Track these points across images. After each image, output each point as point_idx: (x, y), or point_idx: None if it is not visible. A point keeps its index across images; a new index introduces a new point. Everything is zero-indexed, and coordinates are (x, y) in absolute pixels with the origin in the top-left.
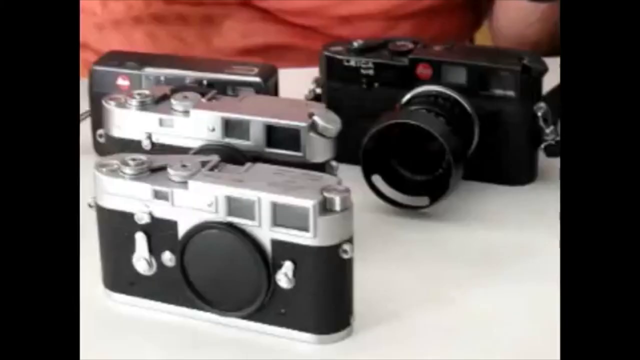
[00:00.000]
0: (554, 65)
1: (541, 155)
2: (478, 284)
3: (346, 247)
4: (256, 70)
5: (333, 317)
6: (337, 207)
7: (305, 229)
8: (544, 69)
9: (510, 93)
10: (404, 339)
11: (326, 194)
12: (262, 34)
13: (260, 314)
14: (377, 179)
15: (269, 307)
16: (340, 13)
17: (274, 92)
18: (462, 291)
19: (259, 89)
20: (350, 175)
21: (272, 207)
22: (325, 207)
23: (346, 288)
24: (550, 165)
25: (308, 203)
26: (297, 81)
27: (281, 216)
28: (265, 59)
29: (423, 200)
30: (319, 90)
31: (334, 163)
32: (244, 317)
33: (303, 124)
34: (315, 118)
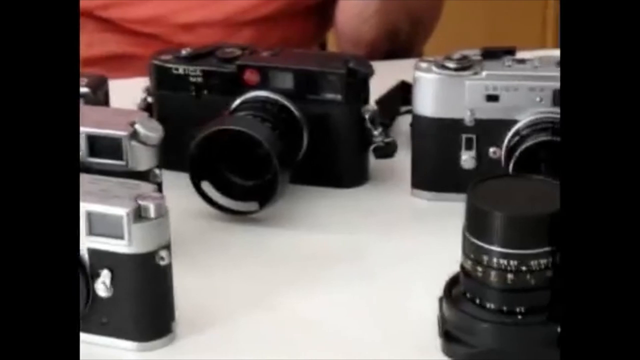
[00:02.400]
0: (386, 68)
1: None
2: (304, 287)
3: (163, 253)
4: (85, 81)
5: (153, 324)
6: (152, 214)
7: (121, 237)
8: (370, 72)
9: (337, 96)
10: (227, 344)
11: (140, 202)
12: (105, 43)
13: (84, 324)
14: (206, 186)
15: (90, 317)
16: (182, 21)
17: (104, 102)
18: (287, 295)
19: (88, 100)
20: (181, 182)
21: (87, 216)
22: (139, 215)
23: (166, 294)
24: (380, 167)
25: (122, 211)
26: (134, 90)
27: (97, 225)
28: (108, 68)
29: (252, 206)
30: (150, 99)
31: (157, 171)
32: None
33: (124, 133)
34: (137, 127)
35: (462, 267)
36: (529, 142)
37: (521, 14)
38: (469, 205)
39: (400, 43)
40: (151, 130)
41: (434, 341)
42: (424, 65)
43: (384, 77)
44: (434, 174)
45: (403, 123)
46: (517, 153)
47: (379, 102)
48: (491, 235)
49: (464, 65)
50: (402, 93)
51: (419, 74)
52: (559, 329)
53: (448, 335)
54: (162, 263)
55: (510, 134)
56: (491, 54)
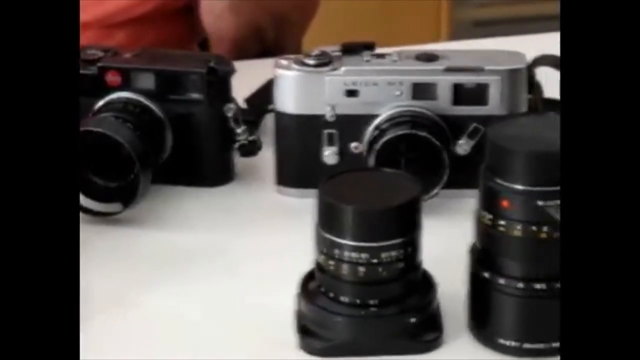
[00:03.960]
0: (258, 67)
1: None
2: (166, 284)
3: None
4: None
5: None
6: None
7: None
8: (230, 71)
9: (198, 96)
10: (88, 344)
11: None
12: None
13: None
14: None
15: None
16: None
17: None
18: (148, 293)
19: None
20: None
21: None
22: None
23: None
24: (246, 165)
25: None
26: None
27: None
28: None
29: (116, 207)
30: None
31: None
32: None
33: None
34: None
35: (316, 261)
36: (388, 136)
37: (415, 8)
38: (319, 201)
39: (269, 43)
40: None
41: (292, 336)
42: (284, 62)
43: (256, 75)
44: (297, 170)
45: (272, 121)
46: (377, 147)
47: (248, 100)
48: (341, 229)
49: (323, 61)
50: (272, 91)
51: (278, 71)
52: (412, 320)
53: (304, 330)
54: None
55: (370, 128)
56: (350, 50)
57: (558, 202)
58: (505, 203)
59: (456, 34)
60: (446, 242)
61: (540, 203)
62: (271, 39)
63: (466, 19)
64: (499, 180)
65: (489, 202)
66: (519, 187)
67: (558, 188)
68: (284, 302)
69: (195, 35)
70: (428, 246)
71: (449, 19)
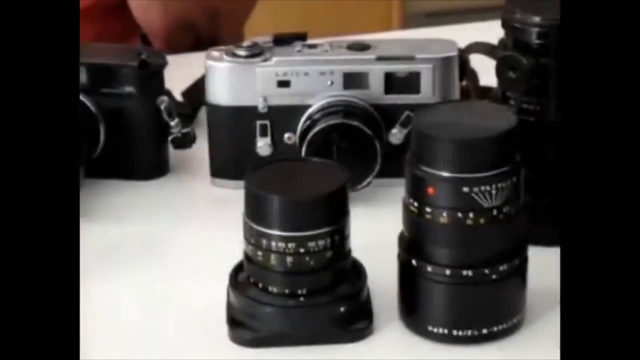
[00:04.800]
0: (194, 60)
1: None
2: (100, 277)
3: None
4: None
5: None
6: None
7: None
8: (162, 64)
9: (131, 89)
10: None
11: None
12: None
13: None
14: None
15: None
16: None
17: None
18: (82, 286)
19: None
20: None
21: None
22: None
23: None
24: (181, 158)
25: None
26: None
27: None
28: None
29: None
30: None
31: None
32: None
33: None
34: None
35: (245, 252)
36: (320, 126)
37: (367, 0)
38: (246, 191)
39: (204, 36)
40: None
41: (223, 328)
42: (215, 54)
43: (193, 68)
44: (231, 162)
45: None
46: (309, 137)
47: (184, 93)
48: (268, 219)
49: (254, 52)
50: None
51: (210, 62)
52: (342, 309)
53: (234, 321)
54: None
55: (303, 118)
56: (282, 40)
57: (483, 188)
58: (430, 190)
59: (408, 26)
60: (378, 230)
61: (465, 190)
62: (205, 33)
63: (418, 10)
64: (424, 168)
65: (415, 190)
66: (444, 174)
67: (483, 174)
68: (217, 293)
69: (136, 30)
70: (360, 235)
71: (400, 10)
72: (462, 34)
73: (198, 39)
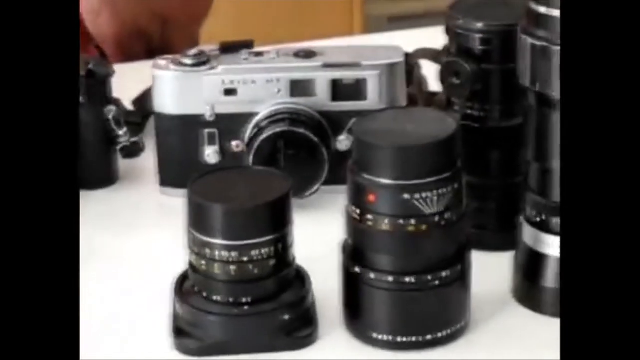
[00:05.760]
0: (140, 68)
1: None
2: None
3: None
4: None
5: None
6: None
7: None
8: (109, 73)
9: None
10: None
11: None
12: None
13: None
14: None
15: None
16: None
17: None
18: None
19: None
20: None
21: None
22: None
23: None
24: (128, 167)
25: None
26: None
27: None
28: None
29: None
30: None
31: None
32: None
33: None
34: None
35: (189, 261)
36: (266, 134)
37: (328, 5)
38: (189, 201)
39: (156, 43)
40: None
41: (169, 338)
42: (162, 63)
43: (145, 77)
44: (179, 171)
45: None
46: (255, 145)
47: (134, 102)
48: (211, 229)
49: (201, 60)
50: None
51: (156, 71)
52: (286, 317)
53: (179, 330)
54: None
55: (250, 126)
56: (229, 48)
57: (424, 194)
58: (372, 197)
59: (370, 30)
60: (324, 238)
61: (406, 196)
62: (157, 40)
63: (380, 14)
64: (365, 175)
65: (357, 197)
66: (385, 181)
67: (423, 181)
68: (163, 303)
69: (92, 40)
70: (305, 242)
71: (362, 14)
72: (425, 36)
73: (150, 46)
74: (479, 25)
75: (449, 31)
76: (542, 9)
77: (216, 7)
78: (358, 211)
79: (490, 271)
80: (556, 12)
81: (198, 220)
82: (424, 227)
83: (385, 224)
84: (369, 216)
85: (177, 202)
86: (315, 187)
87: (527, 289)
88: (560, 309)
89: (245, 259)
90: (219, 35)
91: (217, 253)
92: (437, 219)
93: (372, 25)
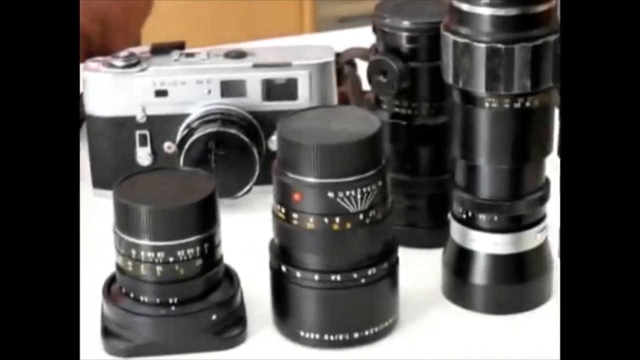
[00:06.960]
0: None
1: None
2: None
3: None
4: None
5: None
6: None
7: None
8: None
9: None
10: None
11: None
12: None
13: None
14: None
15: None
16: None
17: None
18: None
19: None
20: None
21: None
22: None
23: None
24: None
25: None
26: None
27: None
28: None
29: None
30: None
31: None
32: None
33: None
34: None
35: (116, 263)
36: (197, 135)
37: (278, 5)
38: (115, 202)
39: (95, 45)
40: None
41: (97, 338)
42: (92, 65)
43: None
44: (113, 172)
45: None
46: (187, 146)
47: None
48: (137, 230)
49: (132, 62)
50: None
51: (87, 73)
52: (214, 317)
53: (107, 331)
54: None
55: (182, 127)
56: (160, 50)
57: (348, 193)
58: (297, 196)
59: (320, 31)
60: (253, 237)
61: (330, 195)
62: (97, 42)
63: (330, 15)
64: (290, 174)
65: (282, 196)
66: (309, 179)
67: (347, 179)
68: (91, 304)
69: None
70: (237, 242)
71: (312, 15)
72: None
73: (91, 48)
74: (406, 23)
75: (376, 30)
76: (465, 6)
77: (163, 7)
78: (283, 210)
79: (421, 268)
80: (478, 9)
81: (124, 222)
82: (348, 225)
83: (310, 223)
84: (295, 215)
85: (110, 203)
86: (247, 187)
87: (456, 285)
88: (561, 308)
89: (171, 259)
90: (166, 36)
91: (143, 254)
92: (361, 217)
93: (322, 26)
